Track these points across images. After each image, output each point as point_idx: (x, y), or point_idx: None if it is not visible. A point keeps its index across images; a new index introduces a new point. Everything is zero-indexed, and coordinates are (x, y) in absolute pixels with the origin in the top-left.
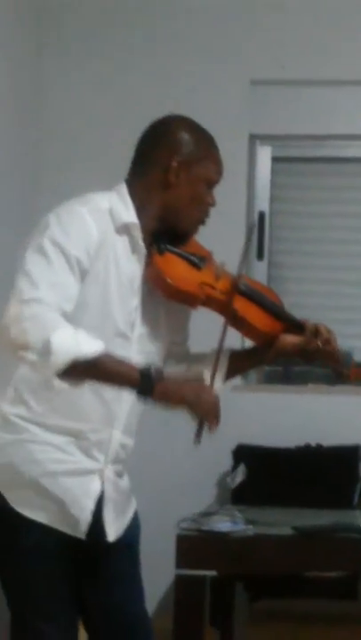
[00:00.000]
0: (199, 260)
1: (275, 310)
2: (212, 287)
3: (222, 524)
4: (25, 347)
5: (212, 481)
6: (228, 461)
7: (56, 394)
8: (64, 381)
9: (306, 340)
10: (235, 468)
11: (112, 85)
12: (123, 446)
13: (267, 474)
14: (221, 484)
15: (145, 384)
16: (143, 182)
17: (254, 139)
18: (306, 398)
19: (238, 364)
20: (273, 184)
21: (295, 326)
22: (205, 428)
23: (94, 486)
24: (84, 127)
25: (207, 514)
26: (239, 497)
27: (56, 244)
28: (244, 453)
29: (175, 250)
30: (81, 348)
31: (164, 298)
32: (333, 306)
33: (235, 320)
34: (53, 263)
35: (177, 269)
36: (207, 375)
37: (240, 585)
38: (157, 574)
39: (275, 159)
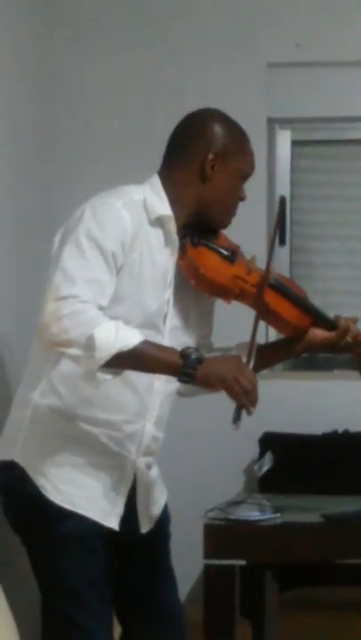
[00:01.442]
0: (231, 254)
1: (304, 304)
2: (245, 281)
3: (250, 513)
4: (67, 344)
5: (239, 470)
6: (254, 450)
7: (98, 386)
8: (107, 373)
9: (338, 337)
10: (261, 456)
11: (127, 73)
12: (154, 439)
13: (294, 461)
14: (248, 472)
15: (187, 367)
16: (178, 175)
17: (273, 122)
18: (332, 384)
19: (266, 357)
20: (293, 168)
21: (328, 323)
22: (243, 411)
23: (127, 478)
24: (97, 115)
25: (235, 503)
26: (267, 485)
27: (92, 239)
28: (270, 441)
29: (208, 243)
30: (123, 340)
31: (198, 290)
32: (357, 290)
33: (267, 313)
34: (89, 259)
35: (211, 262)
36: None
37: (269, 574)
38: (186, 565)
39: (294, 142)
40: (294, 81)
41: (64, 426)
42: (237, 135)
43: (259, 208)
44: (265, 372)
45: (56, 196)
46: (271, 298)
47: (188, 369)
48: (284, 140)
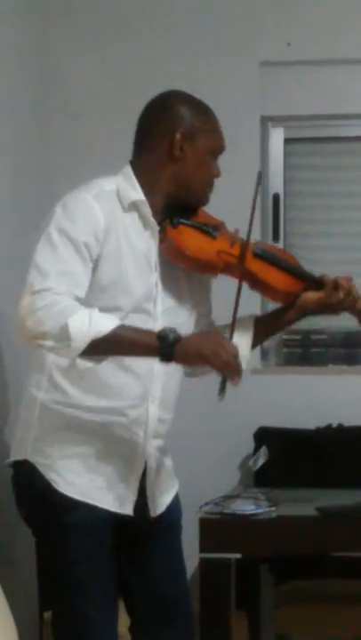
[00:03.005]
0: (213, 229)
1: (293, 270)
2: (229, 254)
3: (245, 507)
4: (43, 336)
5: (235, 464)
6: (249, 444)
7: (85, 373)
8: (87, 360)
9: (327, 294)
10: (256, 450)
11: (119, 71)
12: (161, 421)
13: (289, 456)
14: (244, 467)
15: (164, 348)
16: (149, 160)
17: (266, 121)
18: (326, 379)
19: (264, 328)
20: (286, 166)
21: (315, 283)
22: (228, 382)
23: (138, 463)
24: (90, 108)
25: (230, 497)
26: (262, 479)
27: (63, 233)
28: (265, 436)
29: (188, 222)
30: (97, 326)
31: (184, 270)
32: None
33: (254, 283)
34: (61, 252)
35: (193, 240)
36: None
37: (265, 567)
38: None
39: (287, 140)
40: (287, 79)
41: (71, 419)
42: (202, 112)
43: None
44: (259, 367)
45: (54, 189)
46: (258, 267)
47: (165, 349)
48: (277, 137)
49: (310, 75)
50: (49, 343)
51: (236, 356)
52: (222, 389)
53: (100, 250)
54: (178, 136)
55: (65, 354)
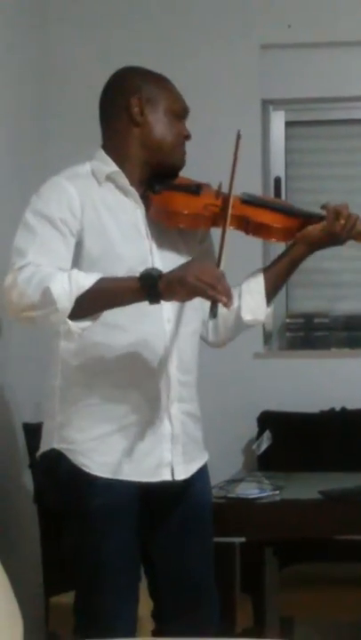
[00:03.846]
0: (196, 188)
1: (286, 209)
2: (215, 205)
3: (249, 491)
4: (29, 307)
5: (238, 448)
6: (253, 428)
7: (78, 338)
8: (78, 322)
9: (329, 223)
10: (260, 434)
11: (120, 56)
12: (182, 383)
13: (292, 439)
14: (247, 451)
15: (148, 287)
16: (114, 135)
17: (267, 104)
18: (329, 362)
19: (275, 275)
20: (288, 149)
21: (314, 217)
22: (219, 304)
23: (165, 428)
24: (89, 97)
25: (234, 481)
26: (266, 463)
27: (37, 213)
28: (269, 420)
29: (169, 185)
30: (78, 284)
31: (175, 229)
32: (354, 268)
33: (249, 226)
34: (38, 232)
35: (177, 200)
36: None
37: (269, 550)
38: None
39: (288, 124)
40: (288, 62)
41: (91, 399)
42: (153, 79)
43: (253, 189)
44: (262, 351)
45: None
46: (249, 211)
47: (148, 286)
48: (278, 121)
49: (311, 57)
50: (37, 313)
51: (220, 277)
52: (213, 312)
53: (79, 224)
54: (134, 102)
55: (55, 319)
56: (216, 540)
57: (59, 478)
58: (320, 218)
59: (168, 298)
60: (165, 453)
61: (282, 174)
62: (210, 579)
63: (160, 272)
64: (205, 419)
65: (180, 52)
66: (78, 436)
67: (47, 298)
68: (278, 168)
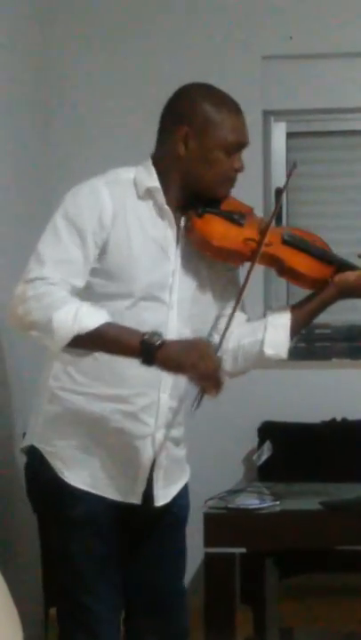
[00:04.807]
0: (240, 217)
1: (323, 255)
2: (255, 241)
3: (250, 501)
4: (30, 325)
5: (239, 459)
6: (253, 439)
7: (94, 361)
8: (71, 351)
9: None
10: (261, 445)
11: (122, 67)
12: (172, 410)
13: (293, 450)
14: (248, 461)
15: (146, 352)
16: (162, 148)
17: (268, 115)
18: (330, 373)
19: (303, 314)
20: (289, 160)
21: (347, 266)
22: (205, 395)
23: (147, 452)
24: (92, 99)
25: (234, 491)
26: (266, 474)
27: (67, 219)
28: (269, 430)
29: (214, 210)
30: (81, 323)
31: (209, 259)
32: None
33: (283, 270)
34: (63, 239)
35: (218, 228)
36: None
37: (270, 561)
38: (187, 553)
39: (289, 135)
40: (289, 74)
41: (78, 407)
42: (214, 103)
43: (255, 200)
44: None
45: (54, 188)
46: (287, 254)
47: (146, 353)
48: (279, 132)
49: (312, 69)
50: (35, 333)
51: (216, 369)
52: (197, 402)
53: (106, 236)
54: (183, 130)
55: (48, 344)
56: (216, 550)
57: (40, 484)
58: (353, 267)
59: (160, 368)
60: (143, 478)
61: (282, 185)
62: (179, 597)
63: (163, 341)
64: (206, 429)
65: (182, 62)
66: (59, 442)
67: (47, 326)
68: (279, 179)
